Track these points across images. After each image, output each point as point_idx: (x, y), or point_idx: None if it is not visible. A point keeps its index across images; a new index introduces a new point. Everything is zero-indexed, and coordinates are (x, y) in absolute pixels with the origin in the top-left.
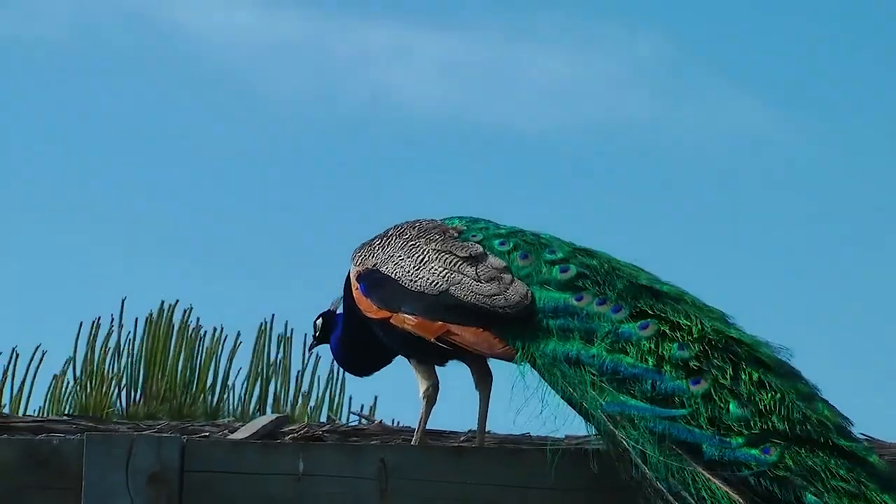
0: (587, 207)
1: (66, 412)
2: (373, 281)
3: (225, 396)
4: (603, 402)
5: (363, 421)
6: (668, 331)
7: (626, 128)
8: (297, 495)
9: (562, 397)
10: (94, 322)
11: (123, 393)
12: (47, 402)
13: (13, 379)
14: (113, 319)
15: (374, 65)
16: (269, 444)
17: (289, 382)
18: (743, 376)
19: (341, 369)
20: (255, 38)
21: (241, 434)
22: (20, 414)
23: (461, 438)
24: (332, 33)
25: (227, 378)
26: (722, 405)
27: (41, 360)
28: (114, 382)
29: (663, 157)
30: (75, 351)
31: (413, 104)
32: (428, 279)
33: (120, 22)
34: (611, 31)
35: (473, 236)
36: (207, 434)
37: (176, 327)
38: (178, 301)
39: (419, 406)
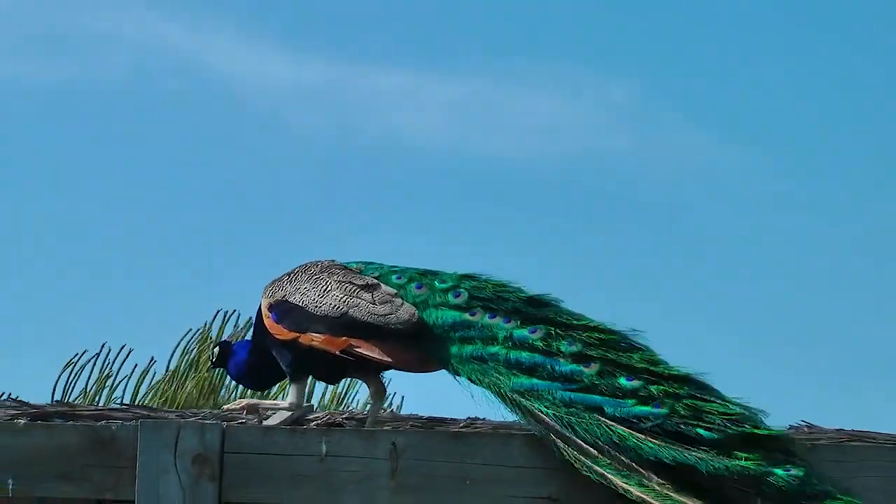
0: (564, 227)
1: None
2: (283, 310)
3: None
4: (512, 385)
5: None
6: (555, 332)
7: (601, 160)
8: (320, 473)
9: (482, 388)
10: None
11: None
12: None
13: (115, 373)
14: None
15: (386, 105)
16: (296, 430)
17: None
18: (625, 358)
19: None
20: (283, 82)
21: (272, 421)
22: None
23: (461, 424)
24: (349, 77)
25: None
26: (614, 379)
27: (127, 356)
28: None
29: (632, 187)
30: (172, 354)
31: (420, 139)
32: (330, 304)
33: (168, 67)
34: (588, 77)
35: (371, 273)
36: (244, 421)
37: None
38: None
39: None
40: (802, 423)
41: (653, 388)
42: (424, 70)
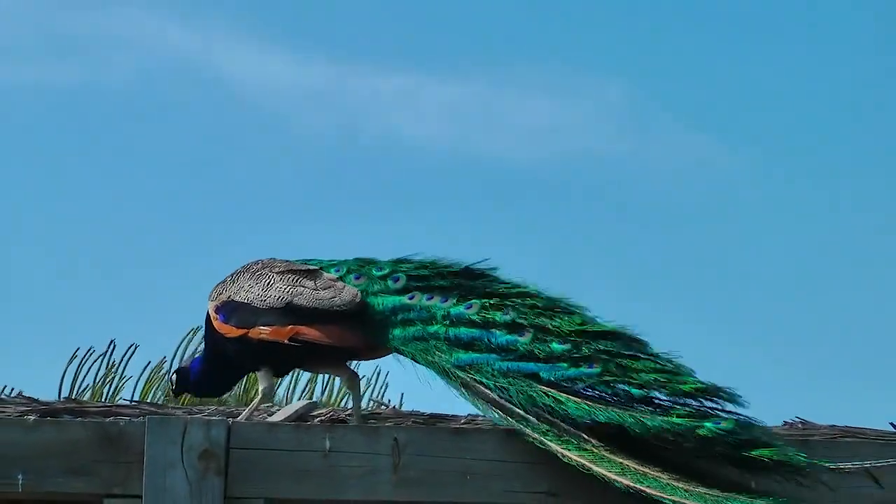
0: (562, 227)
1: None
2: (229, 309)
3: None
4: (453, 360)
5: (381, 406)
6: (489, 304)
7: (597, 161)
8: (324, 468)
9: (426, 367)
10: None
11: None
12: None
13: (117, 370)
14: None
15: (387, 107)
16: (300, 426)
17: (317, 375)
18: (557, 322)
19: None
20: (286, 85)
21: (277, 417)
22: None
23: (462, 421)
24: (351, 80)
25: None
26: (547, 345)
27: (132, 354)
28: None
29: (628, 187)
30: (176, 352)
31: (419, 140)
32: (275, 296)
33: (173, 70)
34: (585, 80)
35: (313, 264)
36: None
37: None
38: None
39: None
40: (796, 419)
41: (585, 349)
42: (424, 72)
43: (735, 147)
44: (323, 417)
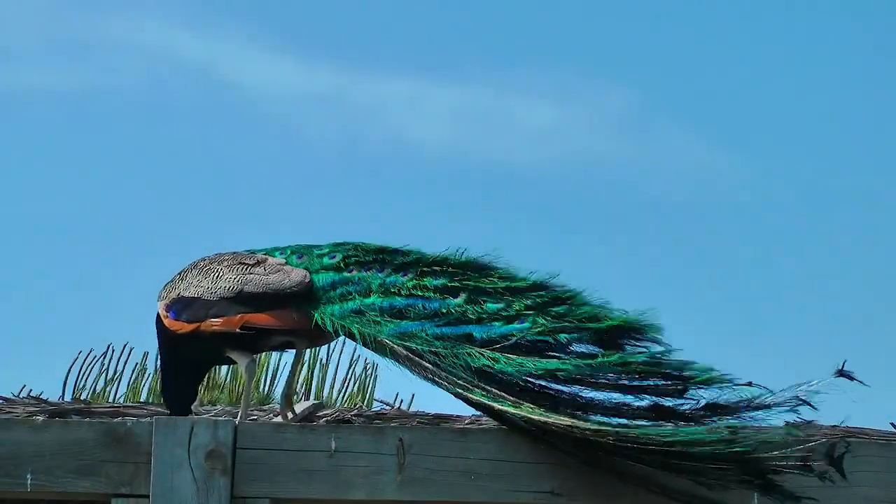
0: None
1: (141, 399)
2: (180, 306)
3: (273, 387)
4: (388, 331)
5: (385, 406)
6: (423, 269)
7: (599, 165)
8: (329, 468)
9: (363, 344)
10: None
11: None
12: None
13: (107, 371)
14: None
15: (393, 111)
16: (306, 426)
17: (325, 375)
18: (489, 282)
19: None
20: (292, 89)
21: (283, 417)
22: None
23: (466, 421)
24: (356, 84)
25: (277, 372)
26: (481, 305)
27: (129, 355)
28: None
29: (629, 192)
30: None
31: (423, 143)
32: (225, 286)
33: (181, 75)
34: (588, 84)
35: (260, 253)
36: (256, 417)
37: None
38: None
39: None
40: (799, 419)
41: (516, 305)
42: (428, 76)
43: (736, 151)
44: (329, 417)
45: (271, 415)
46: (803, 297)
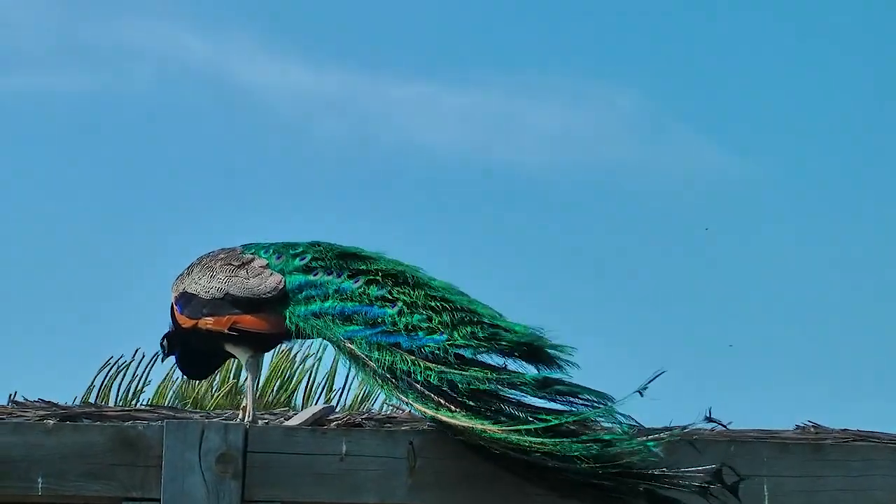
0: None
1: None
2: (185, 300)
3: (291, 392)
4: (339, 333)
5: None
6: (371, 279)
7: (609, 168)
8: (340, 472)
9: (323, 339)
10: None
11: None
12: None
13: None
14: None
15: (403, 114)
16: (317, 430)
17: (334, 378)
18: (420, 296)
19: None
20: (303, 92)
21: (294, 421)
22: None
23: None
24: (367, 88)
25: (293, 377)
26: (409, 317)
27: (155, 362)
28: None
29: (640, 193)
30: None
31: (434, 146)
32: (216, 287)
33: (192, 79)
34: (598, 88)
35: (249, 252)
36: (267, 421)
37: None
38: None
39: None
40: (808, 423)
41: (436, 318)
42: (439, 80)
43: (747, 155)
44: (340, 421)
45: (282, 419)
46: (819, 302)
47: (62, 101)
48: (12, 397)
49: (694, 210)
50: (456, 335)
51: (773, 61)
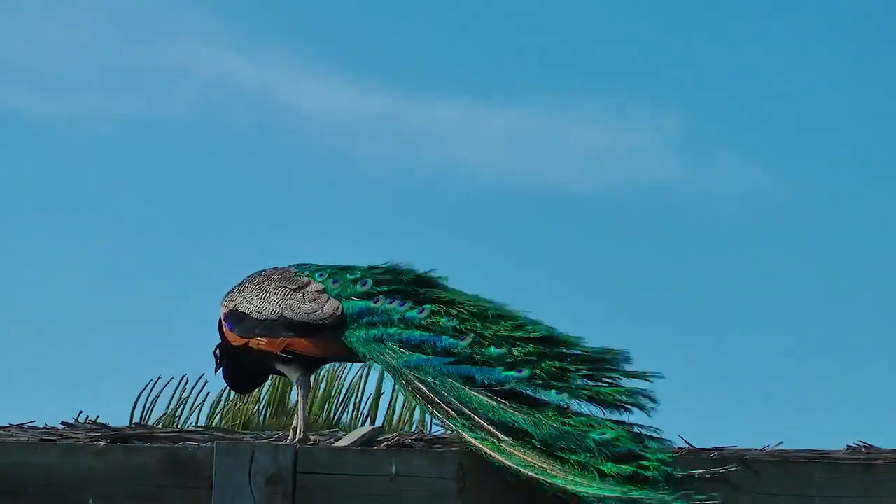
0: (619, 256)
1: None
2: (235, 318)
3: (340, 412)
4: (402, 361)
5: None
6: (438, 309)
7: (654, 189)
8: (390, 493)
9: (382, 366)
10: None
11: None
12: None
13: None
14: None
15: (446, 134)
16: (367, 450)
17: (380, 399)
18: (495, 328)
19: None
20: (346, 112)
21: (344, 441)
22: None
23: None
24: (410, 108)
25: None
26: (484, 349)
27: (205, 384)
28: (254, 403)
29: (685, 215)
30: None
31: (477, 167)
32: (270, 309)
33: (235, 100)
34: (643, 109)
35: (303, 274)
36: (316, 441)
37: None
38: None
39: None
40: (860, 443)
41: (516, 353)
42: (483, 100)
43: (793, 178)
44: (389, 442)
45: (331, 439)
46: (866, 321)
47: (107, 124)
48: (76, 418)
49: (740, 232)
50: (538, 372)
51: (821, 84)
